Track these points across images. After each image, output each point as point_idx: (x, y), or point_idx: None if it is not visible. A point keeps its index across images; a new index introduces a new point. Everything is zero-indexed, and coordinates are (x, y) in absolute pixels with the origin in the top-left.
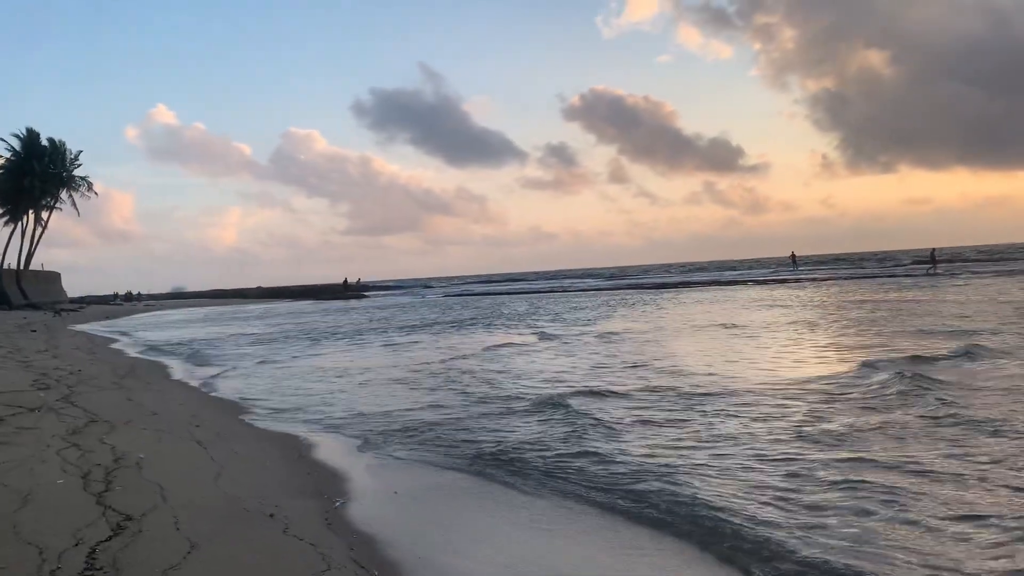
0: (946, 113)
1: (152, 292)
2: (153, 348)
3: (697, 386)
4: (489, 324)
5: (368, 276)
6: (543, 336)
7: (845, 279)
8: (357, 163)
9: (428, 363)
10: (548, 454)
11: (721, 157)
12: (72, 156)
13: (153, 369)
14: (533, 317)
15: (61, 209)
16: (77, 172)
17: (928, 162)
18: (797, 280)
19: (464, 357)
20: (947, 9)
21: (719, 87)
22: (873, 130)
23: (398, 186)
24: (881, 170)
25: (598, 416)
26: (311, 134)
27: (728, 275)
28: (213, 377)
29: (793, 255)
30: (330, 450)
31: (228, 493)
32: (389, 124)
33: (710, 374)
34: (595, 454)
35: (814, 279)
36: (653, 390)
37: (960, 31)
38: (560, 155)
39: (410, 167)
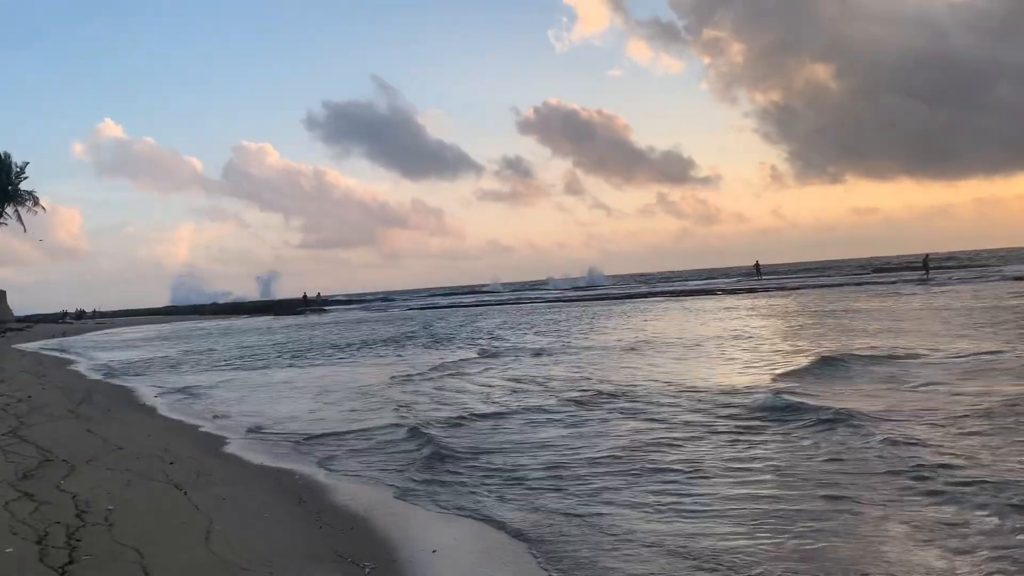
0: (890, 125)
1: (103, 310)
2: (110, 369)
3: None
4: (469, 338)
5: (325, 290)
6: (511, 352)
7: (848, 286)
8: (311, 176)
9: (417, 379)
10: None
11: (673, 169)
12: (18, 169)
13: (113, 394)
14: (512, 330)
15: (6, 224)
16: (23, 186)
17: (874, 173)
18: (766, 289)
19: (460, 375)
20: (889, 24)
21: (670, 100)
22: (820, 142)
23: (353, 200)
24: (829, 181)
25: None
26: (263, 147)
27: (692, 284)
28: (180, 401)
29: (757, 264)
30: (336, 492)
31: (226, 558)
32: (343, 137)
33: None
34: None
35: (793, 287)
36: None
37: (902, 45)
38: (516, 168)
39: (365, 181)
